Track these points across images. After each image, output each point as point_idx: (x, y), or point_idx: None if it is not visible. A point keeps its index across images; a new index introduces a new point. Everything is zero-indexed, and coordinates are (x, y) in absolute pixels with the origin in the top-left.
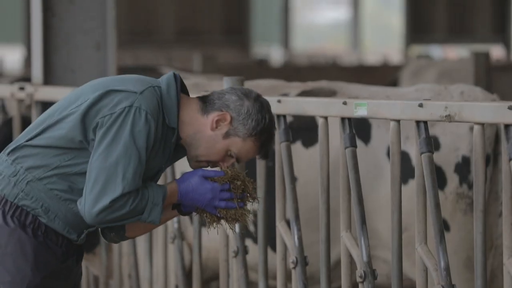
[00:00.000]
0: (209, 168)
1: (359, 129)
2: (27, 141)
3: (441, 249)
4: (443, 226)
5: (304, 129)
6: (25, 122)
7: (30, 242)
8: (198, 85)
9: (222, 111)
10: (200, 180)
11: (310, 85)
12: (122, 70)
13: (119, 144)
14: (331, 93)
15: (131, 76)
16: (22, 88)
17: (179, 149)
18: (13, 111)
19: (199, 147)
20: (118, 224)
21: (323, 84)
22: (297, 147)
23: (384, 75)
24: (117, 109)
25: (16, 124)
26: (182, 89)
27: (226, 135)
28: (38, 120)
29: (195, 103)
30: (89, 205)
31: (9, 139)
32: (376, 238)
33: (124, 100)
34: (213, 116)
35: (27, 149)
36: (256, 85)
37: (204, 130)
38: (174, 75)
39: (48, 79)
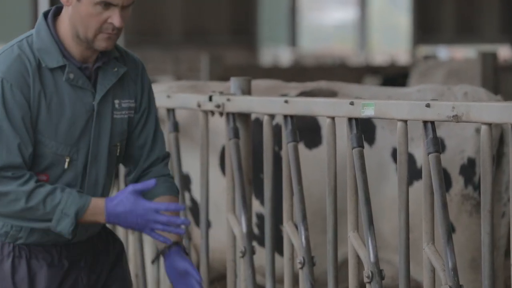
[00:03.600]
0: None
1: (363, 130)
2: None
3: (448, 249)
4: (450, 228)
5: (307, 130)
6: None
7: (14, 278)
8: (196, 86)
9: None
10: (134, 199)
11: (309, 85)
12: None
13: None
14: (331, 94)
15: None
16: None
17: (105, 74)
18: None
19: (79, 29)
20: (30, 226)
21: (322, 84)
22: (300, 149)
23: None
24: None
25: None
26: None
27: None
28: None
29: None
30: None
31: None
32: (381, 240)
33: None
34: None
35: None
36: (254, 85)
37: (68, 14)
38: (43, 14)
39: None
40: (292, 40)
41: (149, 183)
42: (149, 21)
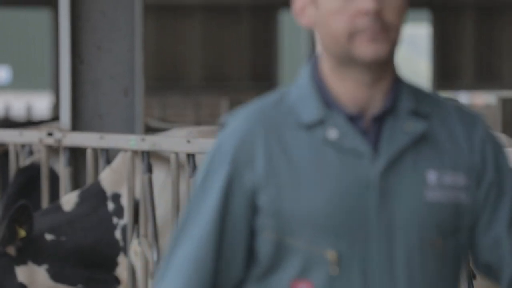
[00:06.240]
0: None
1: None
2: None
3: None
4: (471, 274)
5: None
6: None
7: None
8: (216, 131)
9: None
10: None
11: None
12: None
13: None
14: None
15: None
16: (50, 134)
17: (393, 130)
18: (41, 157)
19: (331, 46)
20: None
21: None
22: None
23: None
24: None
25: (44, 171)
26: None
27: (313, 2)
28: None
29: None
30: None
31: (25, 188)
32: None
33: None
34: (297, 13)
35: None
36: None
37: (319, 38)
38: (314, 58)
39: (76, 124)
40: None
41: None
42: (169, 67)
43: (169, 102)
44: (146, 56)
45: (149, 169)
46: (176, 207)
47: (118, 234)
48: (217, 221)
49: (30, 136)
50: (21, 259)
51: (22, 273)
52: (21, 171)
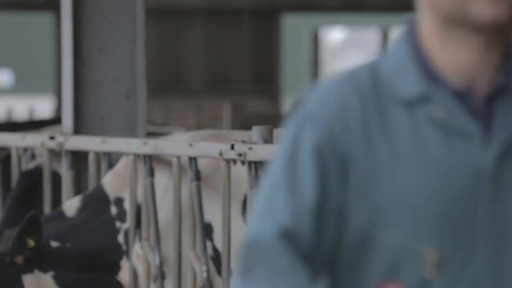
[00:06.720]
0: None
1: None
2: None
3: None
4: None
5: None
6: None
7: None
8: (218, 135)
9: None
10: None
11: None
12: None
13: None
14: None
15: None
16: (52, 138)
17: (509, 107)
18: (44, 160)
19: (440, 3)
20: None
21: None
22: None
23: None
24: None
25: (46, 175)
26: None
27: None
28: None
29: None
30: None
31: (28, 192)
32: None
33: None
34: None
35: None
36: (276, 134)
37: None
38: (409, 27)
39: (78, 128)
40: None
41: None
42: (171, 70)
43: (171, 105)
44: (148, 59)
45: (151, 173)
46: (178, 210)
47: (121, 238)
48: (318, 184)
49: (32, 139)
50: (28, 268)
51: (28, 281)
52: (25, 175)
